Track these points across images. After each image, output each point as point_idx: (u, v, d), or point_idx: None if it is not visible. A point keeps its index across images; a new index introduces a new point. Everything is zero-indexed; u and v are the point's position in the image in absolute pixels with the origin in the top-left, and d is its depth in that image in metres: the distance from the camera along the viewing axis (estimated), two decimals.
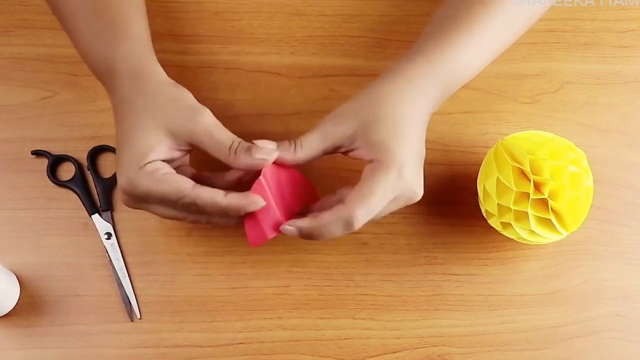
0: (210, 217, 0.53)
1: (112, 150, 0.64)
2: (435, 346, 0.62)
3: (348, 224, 0.51)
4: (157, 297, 0.62)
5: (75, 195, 0.63)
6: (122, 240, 0.63)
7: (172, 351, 0.61)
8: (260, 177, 0.51)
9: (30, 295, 0.61)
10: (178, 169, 0.54)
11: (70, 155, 0.64)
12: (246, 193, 0.51)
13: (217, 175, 0.55)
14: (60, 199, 0.63)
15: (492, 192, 0.58)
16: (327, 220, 0.51)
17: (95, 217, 0.63)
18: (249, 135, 0.65)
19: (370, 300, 0.63)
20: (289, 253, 0.63)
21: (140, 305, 0.61)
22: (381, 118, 0.52)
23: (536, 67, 0.69)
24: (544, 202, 0.57)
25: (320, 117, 0.66)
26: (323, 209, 0.53)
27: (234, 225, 0.54)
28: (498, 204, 0.58)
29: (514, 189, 0.57)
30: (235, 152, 0.51)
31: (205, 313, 0.62)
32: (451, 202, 0.65)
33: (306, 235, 0.51)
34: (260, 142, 0.52)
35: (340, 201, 0.52)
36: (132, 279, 0.62)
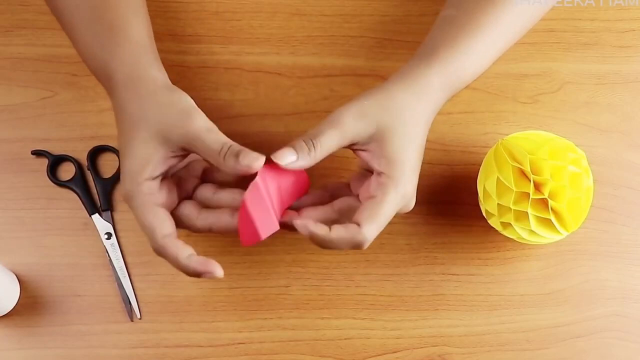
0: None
1: (112, 150, 0.64)
2: (435, 346, 0.62)
3: (359, 245, 0.51)
4: (157, 297, 0.62)
5: (75, 195, 0.63)
6: (122, 240, 0.63)
7: (172, 351, 0.61)
8: (257, 178, 0.51)
9: (30, 295, 0.61)
10: (188, 166, 0.54)
11: (70, 155, 0.64)
12: (208, 260, 0.50)
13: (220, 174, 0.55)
14: (60, 199, 0.63)
15: (492, 192, 0.58)
16: (339, 237, 0.51)
17: (95, 217, 0.63)
18: (249, 135, 0.65)
19: (370, 300, 0.63)
20: (289, 253, 0.63)
21: (140, 305, 0.61)
22: (398, 129, 0.52)
23: (536, 67, 0.69)
24: (544, 202, 0.57)
25: (321, 117, 0.66)
26: (314, 204, 0.53)
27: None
28: (498, 204, 0.58)
29: (514, 189, 0.57)
30: (224, 157, 0.51)
31: (205, 313, 0.62)
32: (451, 202, 0.65)
33: (315, 241, 0.51)
34: (280, 152, 0.51)
35: (334, 197, 0.53)
36: (132, 279, 0.62)
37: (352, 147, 0.53)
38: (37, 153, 0.64)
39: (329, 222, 0.52)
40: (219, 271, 0.50)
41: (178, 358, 0.61)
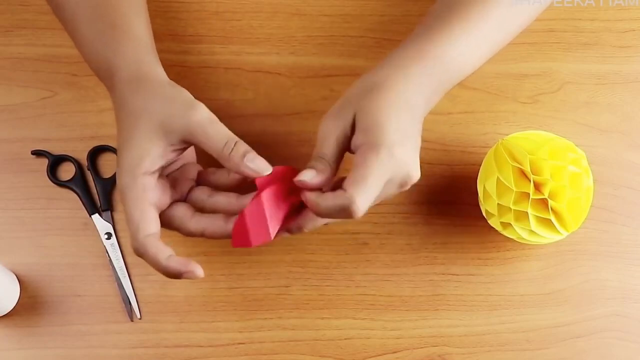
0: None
1: (112, 150, 0.64)
2: (435, 346, 0.62)
3: (348, 210, 0.49)
4: (157, 297, 0.62)
5: (75, 195, 0.63)
6: (122, 240, 0.63)
7: (172, 351, 0.61)
8: (262, 195, 0.51)
9: (30, 295, 0.61)
10: (183, 168, 0.54)
11: (70, 155, 0.64)
12: (188, 260, 0.50)
13: (221, 172, 0.55)
14: (60, 199, 0.63)
15: (492, 192, 0.58)
16: (327, 203, 0.49)
17: (95, 217, 0.63)
18: (249, 135, 0.65)
19: (370, 300, 0.63)
20: (289, 253, 0.63)
21: (140, 305, 0.61)
22: (374, 104, 0.51)
23: (536, 67, 0.69)
24: (544, 202, 0.57)
25: (320, 117, 0.67)
26: None
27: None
28: (498, 204, 0.58)
29: (514, 189, 0.57)
30: (230, 153, 0.50)
31: (205, 313, 0.62)
32: (451, 202, 0.65)
33: (309, 204, 0.50)
34: (302, 175, 0.50)
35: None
36: (132, 279, 0.62)
37: (350, 149, 0.53)
38: (37, 153, 0.64)
39: None
40: (199, 271, 0.50)
41: (178, 358, 0.61)
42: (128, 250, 0.62)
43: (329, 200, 0.49)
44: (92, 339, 0.60)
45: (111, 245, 0.62)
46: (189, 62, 0.67)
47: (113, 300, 0.61)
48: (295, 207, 0.53)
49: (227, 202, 0.54)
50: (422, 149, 0.53)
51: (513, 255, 0.65)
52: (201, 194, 0.54)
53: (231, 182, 0.54)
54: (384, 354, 0.62)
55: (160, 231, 0.51)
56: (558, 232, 0.58)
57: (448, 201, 0.65)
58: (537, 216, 0.57)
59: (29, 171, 0.63)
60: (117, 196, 0.64)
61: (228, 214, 0.53)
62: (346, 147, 0.52)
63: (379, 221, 0.64)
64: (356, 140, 0.51)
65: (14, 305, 0.60)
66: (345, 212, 0.49)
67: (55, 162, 0.64)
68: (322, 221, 0.54)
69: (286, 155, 0.65)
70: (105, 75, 0.55)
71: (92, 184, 0.64)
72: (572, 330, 0.63)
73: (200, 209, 0.54)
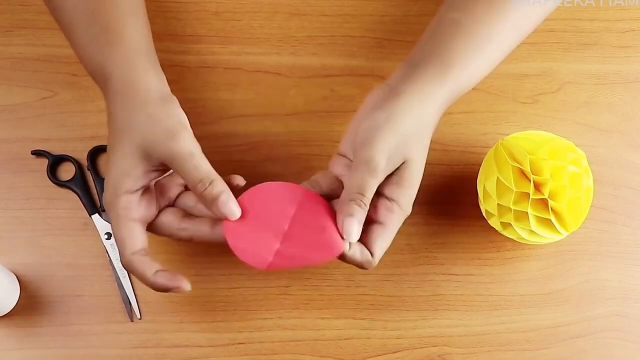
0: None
1: None
2: (435, 346, 0.62)
3: (366, 268, 0.54)
4: (157, 297, 0.62)
5: (75, 195, 0.63)
6: None
7: (172, 351, 0.61)
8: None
9: (30, 295, 0.61)
10: (171, 174, 0.55)
11: (70, 155, 0.64)
12: (175, 275, 0.52)
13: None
14: (60, 199, 0.63)
15: (492, 192, 0.58)
16: (353, 258, 0.53)
17: (95, 217, 0.63)
18: (249, 135, 0.65)
19: (370, 300, 0.63)
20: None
21: (140, 305, 0.61)
22: (417, 161, 0.54)
23: (536, 67, 0.69)
24: (544, 202, 0.57)
25: (321, 117, 0.67)
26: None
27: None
28: (498, 204, 0.58)
29: (514, 189, 0.57)
30: (203, 192, 0.51)
31: (205, 313, 0.62)
32: (451, 202, 0.65)
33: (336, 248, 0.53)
34: (348, 229, 0.51)
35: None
36: (132, 279, 0.62)
37: None
38: (37, 153, 0.64)
39: None
40: (186, 286, 0.52)
41: (178, 358, 0.61)
42: None
43: (356, 257, 0.53)
44: (92, 339, 0.60)
45: (111, 245, 0.62)
46: (189, 62, 0.67)
47: (113, 300, 0.61)
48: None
49: None
50: None
51: (513, 255, 0.65)
52: (188, 200, 0.55)
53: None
54: (384, 354, 0.62)
55: (150, 244, 0.52)
56: (558, 232, 0.58)
57: (448, 201, 0.65)
58: (537, 216, 0.57)
59: (29, 171, 0.63)
60: None
61: (214, 220, 0.54)
62: None
63: None
64: (390, 190, 0.53)
65: (14, 305, 0.60)
66: (361, 267, 0.53)
67: (55, 162, 0.64)
68: None
69: (286, 155, 0.65)
70: (100, 80, 0.55)
71: (92, 184, 0.64)
72: (572, 330, 0.63)
73: (188, 215, 0.55)
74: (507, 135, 0.61)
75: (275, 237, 0.52)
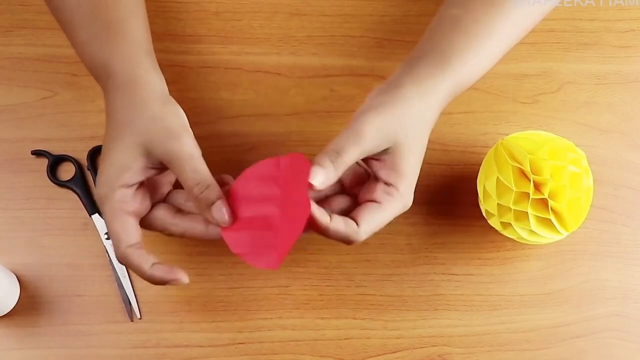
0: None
1: None
2: (435, 346, 0.62)
3: (350, 243, 0.52)
4: (157, 297, 0.62)
5: (75, 195, 0.63)
6: None
7: (172, 351, 0.61)
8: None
9: (30, 295, 0.61)
10: (161, 175, 0.55)
11: (70, 155, 0.64)
12: (172, 268, 0.51)
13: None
14: (60, 199, 0.63)
15: (492, 192, 0.58)
16: (336, 230, 0.51)
17: (95, 217, 0.63)
18: (249, 135, 0.65)
19: (370, 300, 0.63)
20: (289, 253, 0.63)
21: (140, 305, 0.61)
22: (412, 146, 0.53)
23: (536, 67, 0.69)
24: (544, 202, 0.57)
25: (321, 117, 0.67)
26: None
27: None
28: (498, 203, 0.58)
29: (514, 188, 0.57)
30: (199, 196, 0.51)
31: (205, 313, 0.62)
32: (451, 202, 0.65)
33: (312, 224, 0.51)
34: (313, 172, 0.50)
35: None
36: (132, 278, 0.62)
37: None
38: (37, 153, 0.64)
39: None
40: (183, 278, 0.51)
41: (178, 358, 0.61)
42: None
43: (340, 228, 0.51)
44: (92, 339, 0.60)
45: (111, 245, 0.62)
46: (189, 62, 0.67)
47: (113, 300, 0.61)
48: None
49: None
50: None
51: (513, 255, 0.65)
52: (178, 197, 0.55)
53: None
54: (384, 353, 0.62)
55: (145, 237, 0.51)
56: (558, 232, 0.58)
57: (448, 201, 0.65)
58: (537, 216, 0.57)
59: (29, 171, 0.63)
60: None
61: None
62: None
63: None
64: (383, 172, 0.53)
65: (14, 305, 0.60)
66: (346, 241, 0.52)
67: (55, 162, 0.64)
68: None
69: None
70: (101, 78, 0.55)
71: (92, 184, 0.64)
72: (572, 330, 0.63)
73: (179, 211, 0.55)
74: (507, 135, 0.61)
75: (271, 229, 0.52)
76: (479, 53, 0.57)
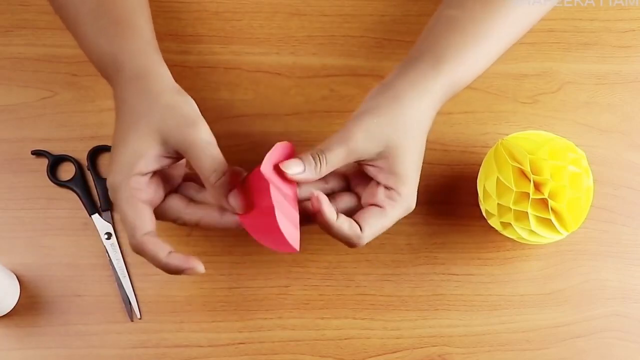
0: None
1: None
2: (435, 346, 0.62)
3: (353, 245, 0.53)
4: (157, 297, 0.62)
5: (75, 195, 0.63)
6: (122, 240, 0.63)
7: (172, 351, 0.61)
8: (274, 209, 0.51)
9: (30, 295, 0.61)
10: (173, 165, 0.54)
11: (70, 155, 0.64)
12: (188, 257, 0.51)
13: None
14: (60, 199, 0.63)
15: (492, 192, 0.58)
16: (340, 230, 0.51)
17: (95, 217, 0.63)
18: (249, 135, 0.65)
19: (370, 300, 0.63)
20: (289, 253, 0.63)
21: (141, 305, 0.61)
22: (407, 146, 0.53)
23: (536, 67, 0.69)
24: (544, 202, 0.57)
25: (321, 117, 0.67)
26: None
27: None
28: (498, 203, 0.58)
29: (514, 188, 0.57)
30: (215, 183, 0.51)
31: (205, 313, 0.62)
32: (451, 202, 0.65)
33: (318, 219, 0.51)
34: (288, 162, 0.51)
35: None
36: (132, 279, 0.62)
37: (358, 162, 0.54)
38: (37, 153, 0.64)
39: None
40: (199, 267, 0.51)
41: (178, 358, 0.61)
42: (128, 250, 0.62)
43: (344, 228, 0.51)
44: (92, 339, 0.60)
45: (111, 245, 0.62)
46: (189, 62, 0.67)
47: (113, 300, 0.61)
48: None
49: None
50: None
51: (513, 255, 0.65)
52: (190, 189, 0.55)
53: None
54: (384, 353, 0.62)
55: (158, 228, 0.51)
56: (558, 232, 0.58)
57: (448, 201, 0.65)
58: (537, 216, 0.57)
59: (29, 171, 0.63)
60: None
61: (221, 207, 0.53)
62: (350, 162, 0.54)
63: None
64: (382, 176, 0.53)
65: (14, 305, 0.60)
66: (348, 243, 0.52)
67: (55, 162, 0.64)
68: None
69: None
70: (110, 72, 0.55)
71: (92, 184, 0.64)
72: (572, 330, 0.63)
73: (192, 201, 0.54)
74: (507, 135, 0.61)
75: (284, 213, 0.52)
76: (475, 53, 0.57)
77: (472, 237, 0.65)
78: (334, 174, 0.55)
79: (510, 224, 0.58)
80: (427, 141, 0.55)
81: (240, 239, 0.62)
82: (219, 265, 0.63)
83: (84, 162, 0.64)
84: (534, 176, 0.56)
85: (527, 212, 0.57)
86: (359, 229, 0.52)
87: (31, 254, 0.62)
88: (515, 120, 0.68)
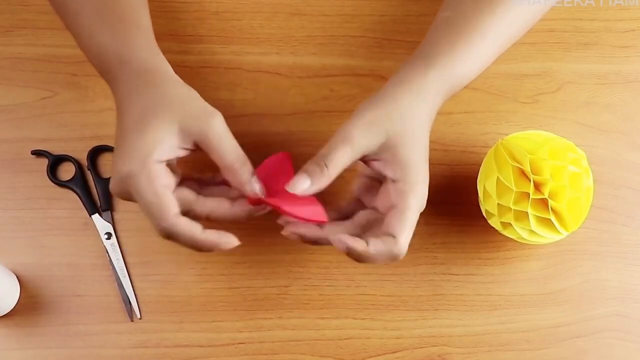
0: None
1: (112, 150, 0.64)
2: (435, 346, 0.62)
3: (396, 257, 0.52)
4: (157, 297, 0.62)
5: (75, 195, 0.63)
6: (122, 240, 0.63)
7: (172, 351, 0.61)
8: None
9: (30, 295, 0.61)
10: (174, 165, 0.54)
11: (70, 155, 0.64)
12: (222, 231, 0.51)
13: (205, 176, 0.56)
14: (60, 199, 0.63)
15: (492, 192, 0.58)
16: (378, 251, 0.51)
17: (96, 217, 0.63)
18: (249, 135, 0.65)
19: (370, 300, 0.63)
20: (289, 253, 0.63)
21: (141, 305, 0.61)
22: (407, 135, 0.53)
23: (536, 67, 0.69)
24: (544, 202, 0.57)
25: (321, 117, 0.67)
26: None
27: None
28: (498, 203, 0.58)
29: (514, 188, 0.57)
30: (240, 169, 0.52)
31: (205, 313, 0.62)
32: (451, 202, 0.65)
33: (352, 256, 0.51)
34: (293, 181, 0.51)
35: (348, 216, 0.55)
36: (132, 279, 0.62)
37: (363, 158, 0.53)
38: (37, 153, 0.64)
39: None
40: (234, 239, 0.51)
41: (178, 358, 0.61)
42: (128, 250, 0.62)
43: (381, 249, 0.51)
44: (92, 339, 0.60)
45: (111, 245, 0.62)
46: (189, 62, 0.67)
47: (113, 300, 0.61)
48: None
49: (220, 191, 0.55)
50: None
51: (513, 255, 0.65)
52: (192, 186, 0.55)
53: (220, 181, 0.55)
54: (384, 353, 0.62)
55: (142, 238, 0.51)
56: (558, 232, 0.58)
57: (448, 201, 0.65)
58: (537, 216, 0.57)
59: (29, 171, 0.63)
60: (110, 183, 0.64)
61: (231, 198, 0.54)
62: (354, 162, 0.53)
63: None
64: (388, 170, 0.53)
65: (14, 305, 0.60)
66: (391, 259, 0.52)
67: (55, 162, 0.64)
68: None
69: None
70: (113, 68, 0.55)
71: (92, 184, 0.64)
72: (572, 330, 0.64)
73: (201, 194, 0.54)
74: (507, 135, 0.61)
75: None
76: (470, 50, 0.56)
77: (472, 237, 0.65)
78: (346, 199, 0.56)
79: (510, 224, 0.58)
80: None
81: (240, 239, 0.62)
82: (219, 265, 0.63)
83: (84, 162, 0.64)
84: (534, 176, 0.56)
85: (527, 212, 0.57)
86: (392, 238, 0.51)
87: (31, 254, 0.62)
88: (515, 120, 0.68)
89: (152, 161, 0.50)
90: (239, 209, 0.53)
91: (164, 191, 0.50)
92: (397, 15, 0.70)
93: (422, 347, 0.62)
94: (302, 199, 0.52)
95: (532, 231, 0.58)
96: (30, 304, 0.61)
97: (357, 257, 0.51)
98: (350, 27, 0.69)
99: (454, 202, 0.65)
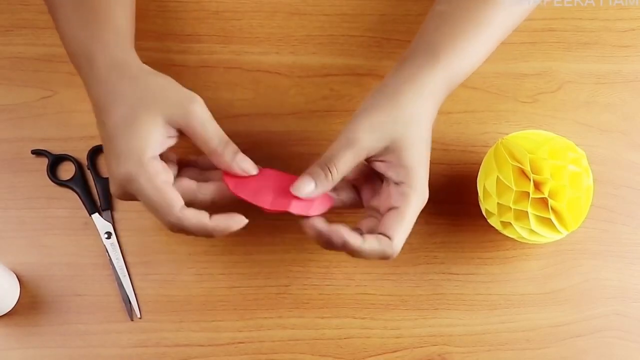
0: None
1: None
2: (435, 345, 0.62)
3: (389, 257, 0.52)
4: (157, 297, 0.62)
5: (75, 195, 0.63)
6: (122, 240, 0.63)
7: (172, 350, 0.61)
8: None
9: (30, 295, 0.61)
10: (165, 153, 0.54)
11: (70, 154, 0.64)
12: (228, 214, 0.51)
13: (203, 157, 0.56)
14: (60, 198, 0.63)
15: (492, 191, 0.58)
16: (372, 249, 0.51)
17: (96, 216, 0.63)
18: (249, 135, 0.65)
19: (370, 300, 0.63)
20: (289, 252, 0.63)
21: (141, 305, 0.62)
22: (411, 137, 0.53)
23: (536, 67, 0.69)
24: (544, 202, 0.57)
25: (321, 116, 0.67)
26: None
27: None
28: (498, 203, 0.58)
29: (514, 188, 0.57)
30: (224, 150, 0.52)
31: (205, 313, 0.62)
32: (451, 202, 0.65)
33: (347, 249, 0.51)
34: (297, 183, 0.51)
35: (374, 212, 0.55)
36: (132, 278, 0.62)
37: (366, 159, 0.53)
38: (37, 153, 0.64)
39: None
40: (243, 219, 0.51)
41: (178, 358, 0.61)
42: (128, 249, 0.62)
43: (375, 247, 0.51)
44: (92, 338, 0.60)
45: (111, 245, 0.62)
46: (189, 62, 0.67)
47: (113, 299, 0.61)
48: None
49: (219, 173, 0.54)
50: None
51: (513, 254, 0.65)
52: (190, 172, 0.55)
53: (211, 167, 0.55)
54: (384, 353, 0.62)
55: (156, 228, 0.51)
56: (558, 231, 0.58)
57: (448, 200, 0.65)
58: (537, 215, 0.57)
59: (29, 171, 0.63)
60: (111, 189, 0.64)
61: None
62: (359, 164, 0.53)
63: None
64: (392, 172, 0.53)
65: (14, 304, 0.60)
66: (383, 258, 0.52)
67: (55, 161, 0.64)
68: None
69: (285, 155, 0.65)
70: (84, 60, 0.54)
71: (92, 183, 0.64)
72: (572, 330, 0.63)
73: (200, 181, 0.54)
74: (507, 134, 0.61)
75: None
76: (469, 44, 0.56)
77: (472, 236, 0.65)
78: (343, 184, 0.55)
79: (510, 223, 0.58)
80: None
81: (240, 239, 0.62)
82: (219, 265, 0.63)
83: (84, 162, 0.64)
84: (534, 175, 0.56)
85: (527, 212, 0.57)
86: (386, 238, 0.51)
87: (31, 254, 0.62)
88: (515, 120, 0.68)
89: (147, 159, 0.50)
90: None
91: (166, 187, 0.50)
92: (397, 15, 0.70)
93: (422, 347, 0.62)
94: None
95: (532, 230, 0.58)
96: (30, 304, 0.61)
97: (351, 252, 0.51)
98: (350, 26, 0.69)
99: (454, 201, 0.65)
